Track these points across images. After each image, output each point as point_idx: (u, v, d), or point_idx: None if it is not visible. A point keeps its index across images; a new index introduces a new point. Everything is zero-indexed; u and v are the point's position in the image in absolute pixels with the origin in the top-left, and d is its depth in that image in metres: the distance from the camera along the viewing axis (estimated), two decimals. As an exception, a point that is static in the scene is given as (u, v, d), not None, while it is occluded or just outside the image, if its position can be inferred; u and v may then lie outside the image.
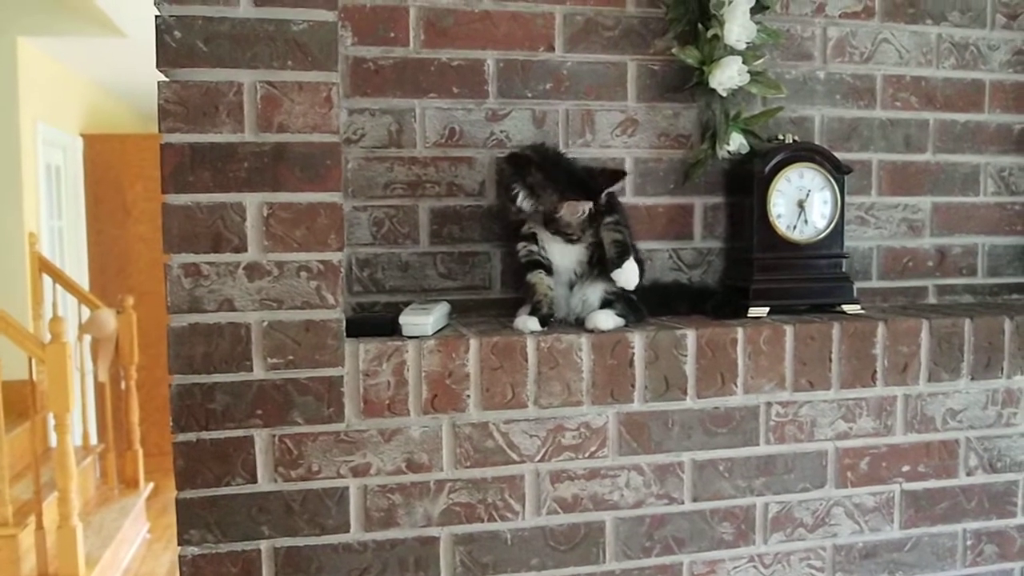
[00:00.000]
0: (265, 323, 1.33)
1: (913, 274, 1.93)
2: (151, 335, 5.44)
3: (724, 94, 1.69)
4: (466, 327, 1.52)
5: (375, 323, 1.44)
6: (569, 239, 1.49)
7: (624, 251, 1.49)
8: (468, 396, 1.41)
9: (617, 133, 1.73)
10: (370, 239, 1.63)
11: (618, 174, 1.54)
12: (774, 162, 1.67)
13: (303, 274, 1.34)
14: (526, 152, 1.54)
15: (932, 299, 1.94)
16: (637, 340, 1.48)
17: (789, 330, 1.55)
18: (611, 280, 1.51)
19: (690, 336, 1.50)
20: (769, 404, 1.56)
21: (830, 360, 1.57)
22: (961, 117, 1.94)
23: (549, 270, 1.51)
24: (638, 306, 1.57)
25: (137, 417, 4.88)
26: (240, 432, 1.34)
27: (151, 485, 4.87)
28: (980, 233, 1.97)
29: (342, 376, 1.36)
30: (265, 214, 1.33)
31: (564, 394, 1.45)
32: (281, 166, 1.33)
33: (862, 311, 1.70)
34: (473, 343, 1.41)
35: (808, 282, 1.71)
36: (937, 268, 1.95)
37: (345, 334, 1.37)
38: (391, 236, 1.64)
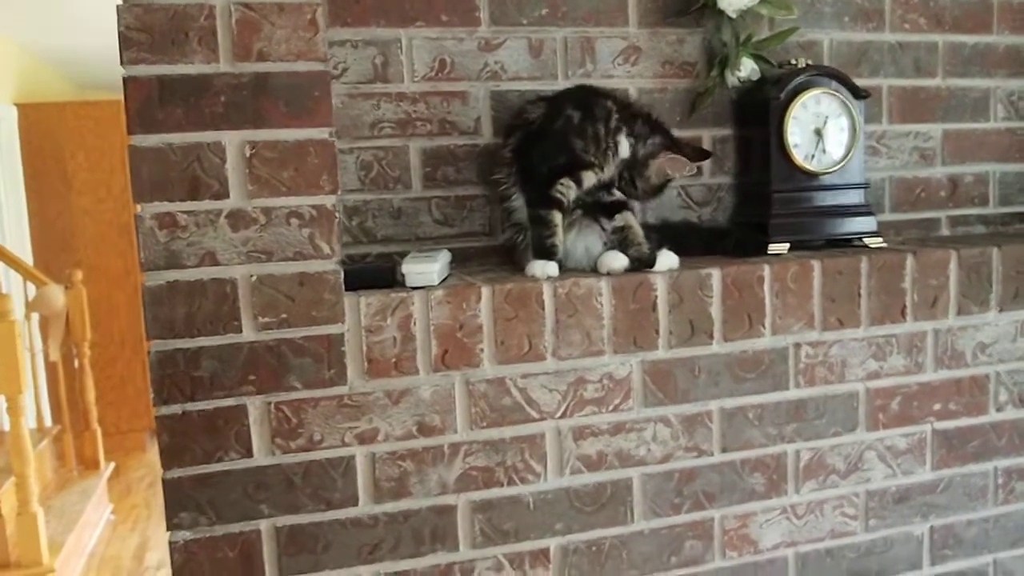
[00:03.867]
0: (253, 278, 1.18)
1: (926, 205, 1.84)
2: (101, 311, 5.19)
3: (733, 15, 1.56)
4: (472, 276, 1.39)
5: (375, 274, 1.30)
6: (635, 195, 1.42)
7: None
8: (482, 350, 1.28)
9: (619, 62, 1.60)
10: (358, 184, 1.48)
11: (707, 153, 1.47)
12: (790, 87, 1.55)
13: (294, 221, 1.19)
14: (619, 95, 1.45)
15: (945, 231, 1.86)
16: (660, 282, 1.36)
17: (816, 265, 1.45)
18: (607, 223, 1.42)
19: (715, 275, 1.39)
20: (798, 345, 1.46)
21: (859, 296, 1.48)
22: (970, 39, 1.84)
23: (565, 212, 1.38)
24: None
25: (93, 396, 4.65)
26: (231, 401, 1.19)
27: (111, 465, 4.67)
28: (991, 161, 1.89)
29: (342, 334, 1.22)
30: (248, 154, 1.17)
31: (584, 344, 1.33)
32: (263, 99, 1.17)
33: (884, 244, 1.61)
34: (485, 291, 1.28)
35: (828, 215, 1.60)
36: (950, 199, 1.86)
37: (343, 287, 1.23)
38: (381, 180, 1.49)
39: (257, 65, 1.17)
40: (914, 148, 1.82)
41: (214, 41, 1.15)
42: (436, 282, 1.28)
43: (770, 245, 1.55)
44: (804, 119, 1.57)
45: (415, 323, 1.25)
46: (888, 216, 1.80)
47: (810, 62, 1.62)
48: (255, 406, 1.20)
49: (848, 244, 1.61)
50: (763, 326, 1.42)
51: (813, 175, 1.58)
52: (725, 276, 1.40)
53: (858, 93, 1.59)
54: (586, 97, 1.41)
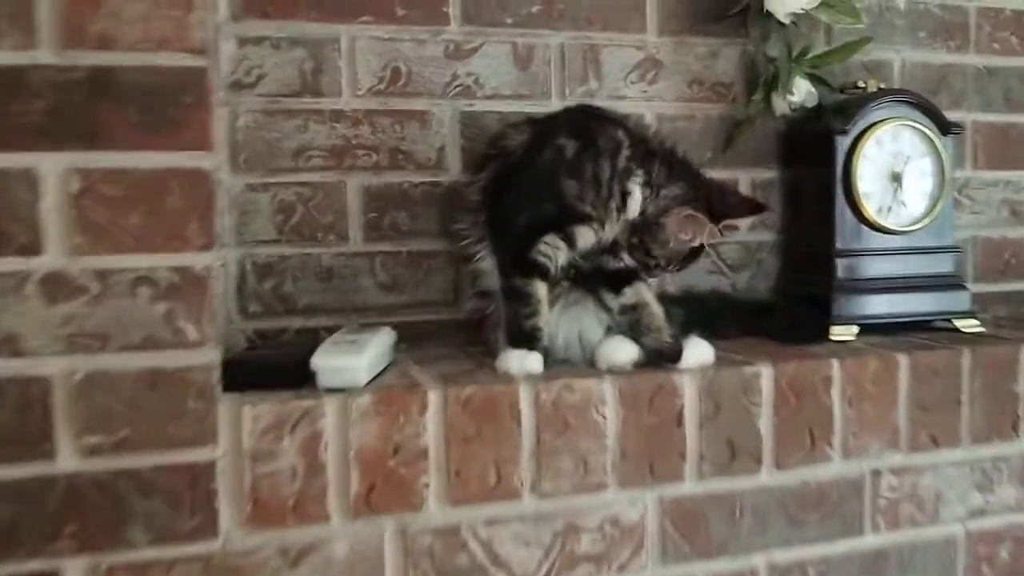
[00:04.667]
0: (78, 376, 0.77)
1: (1016, 273, 1.44)
2: None
3: (785, 21, 1.18)
4: (421, 368, 0.98)
5: (272, 367, 0.89)
6: (647, 267, 1.01)
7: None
8: (426, 485, 0.87)
9: (633, 79, 1.21)
10: (274, 233, 1.08)
11: (758, 207, 1.03)
12: (862, 118, 1.16)
13: (143, 291, 0.79)
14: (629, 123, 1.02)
15: (1044, 307, 1.46)
16: (688, 384, 0.95)
17: (903, 361, 1.04)
18: (612, 299, 1.02)
19: (766, 375, 0.98)
20: (877, 473, 1.05)
21: (959, 404, 1.07)
22: (1074, 66, 1.46)
23: (551, 282, 0.98)
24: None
25: None
26: (37, 565, 0.78)
27: None
28: (1096, 219, 1.50)
29: (214, 462, 0.81)
30: (76, 189, 0.77)
31: (578, 474, 0.92)
32: (104, 106, 0.78)
33: (981, 328, 1.21)
34: (433, 398, 0.87)
35: (907, 289, 1.20)
36: (1045, 266, 1.47)
37: (221, 388, 0.83)
38: (306, 229, 1.09)
39: (97, 55, 0.78)
40: (1003, 201, 1.43)
41: (29, 17, 0.76)
42: (363, 382, 0.87)
43: (832, 328, 1.15)
44: (879, 160, 1.18)
45: (327, 445, 0.84)
46: (971, 286, 1.40)
47: (883, 85, 1.23)
48: (76, 573, 0.78)
49: (929, 327, 1.21)
50: (830, 446, 1.01)
51: (889, 234, 1.18)
52: (779, 376, 0.99)
53: (947, 127, 1.20)
54: (587, 122, 1.00)
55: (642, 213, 0.97)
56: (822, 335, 1.14)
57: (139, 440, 0.79)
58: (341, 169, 1.10)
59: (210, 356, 0.80)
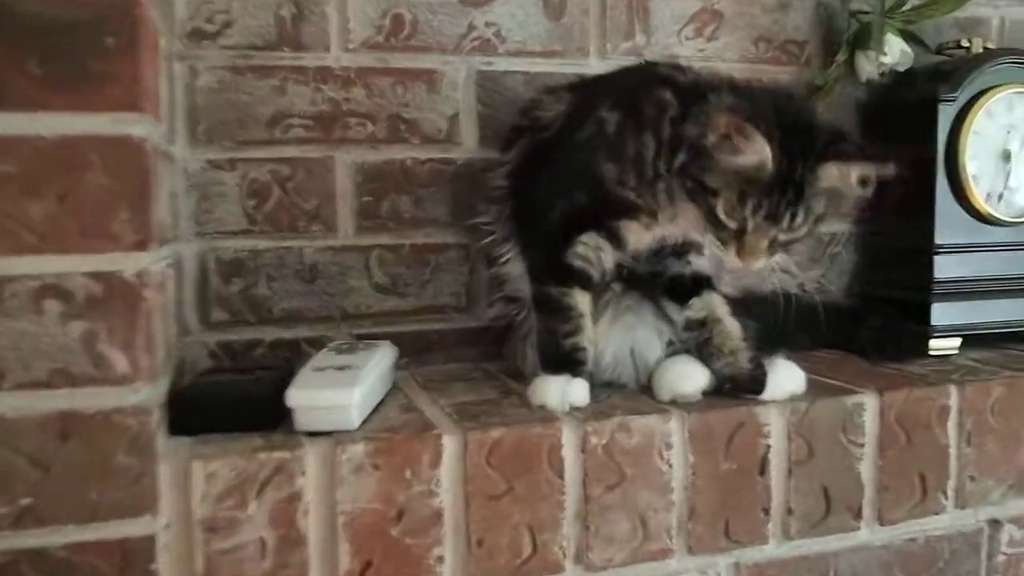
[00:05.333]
0: (-39, 423, 0.56)
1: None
2: None
3: (882, -39, 0.96)
4: (430, 398, 0.77)
5: (235, 404, 0.67)
6: (715, 221, 0.70)
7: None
8: (440, 559, 0.65)
9: (688, 34, 0.99)
10: (244, 222, 0.87)
11: (877, 156, 0.72)
12: (971, 83, 0.95)
13: (51, 306, 0.57)
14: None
15: None
16: (774, 419, 0.74)
17: (1033, 386, 0.83)
18: (676, 312, 0.80)
19: (870, 407, 0.77)
20: (996, 524, 0.84)
21: (1097, 437, 0.86)
22: None
23: (595, 290, 0.77)
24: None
25: None
26: None
27: None
28: None
29: (154, 536, 0.59)
30: (-48, 164, 0.55)
31: (636, 538, 0.71)
32: (-10, 50, 0.56)
33: (1103, 340, 1.00)
34: (450, 444, 0.65)
35: (1014, 293, 0.99)
36: None
37: (166, 434, 0.61)
38: (284, 217, 0.88)
39: (-18, -22, 0.56)
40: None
41: None
42: (356, 423, 0.66)
43: (932, 341, 0.94)
44: (989, 135, 0.96)
45: (307, 511, 0.62)
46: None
47: (990, 45, 1.01)
48: None
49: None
50: (944, 494, 0.81)
51: (997, 225, 0.97)
52: (886, 408, 0.78)
53: (1068, 96, 0.99)
54: (638, 86, 0.77)
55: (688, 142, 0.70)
56: (918, 349, 0.93)
57: (48, 510, 0.57)
58: (329, 142, 0.88)
59: (147, 394, 0.59)
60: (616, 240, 0.76)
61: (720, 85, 0.72)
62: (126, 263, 0.58)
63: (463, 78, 0.92)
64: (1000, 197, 0.97)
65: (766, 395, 0.75)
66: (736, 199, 0.68)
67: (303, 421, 0.64)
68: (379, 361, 0.73)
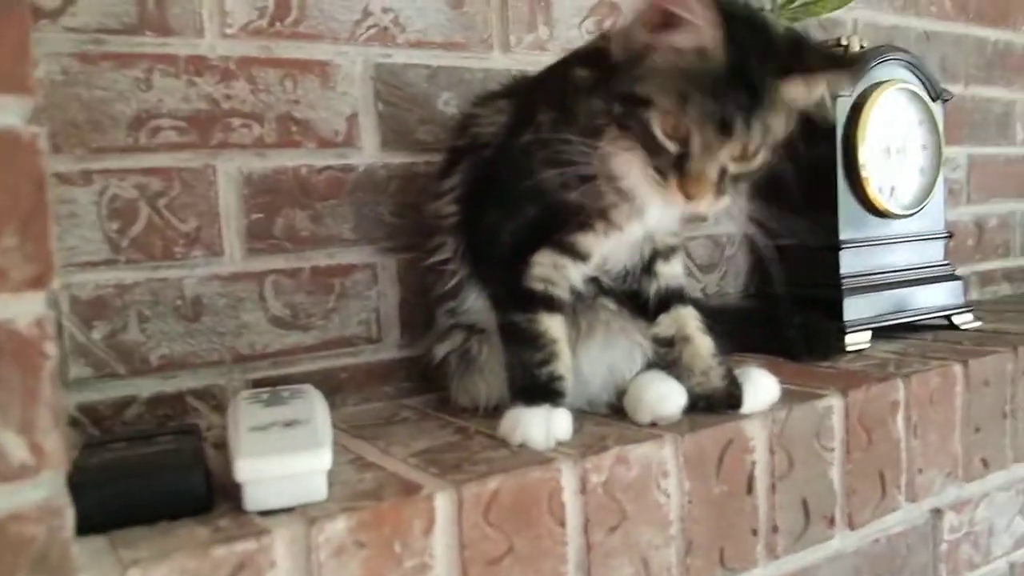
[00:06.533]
0: None
1: (957, 258, 1.32)
2: None
3: (775, -44, 0.95)
4: (380, 449, 0.64)
5: (153, 484, 0.51)
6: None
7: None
8: (441, 645, 0.53)
9: (589, 27, 0.93)
10: (105, 251, 0.69)
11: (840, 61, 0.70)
12: (865, 79, 0.96)
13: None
14: None
15: (975, 293, 1.36)
16: (759, 433, 0.69)
17: (959, 373, 0.84)
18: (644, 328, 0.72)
19: (836, 409, 0.74)
20: (938, 513, 0.84)
21: (1004, 417, 0.89)
22: (992, 34, 1.37)
23: (560, 309, 0.67)
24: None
25: None
26: None
27: None
28: (1014, 197, 1.42)
29: None
30: None
31: (640, 583, 0.62)
32: None
33: (979, 324, 1.05)
34: (443, 504, 0.53)
35: (907, 284, 1.02)
36: (977, 249, 1.37)
37: (74, 533, 0.45)
38: (156, 241, 0.71)
39: None
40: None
41: None
42: (326, 493, 0.52)
43: (847, 336, 0.94)
44: (879, 131, 0.98)
45: (280, 615, 0.48)
46: (920, 276, 1.26)
47: (865, 44, 1.03)
48: None
49: (925, 326, 1.04)
50: (899, 490, 0.79)
51: (890, 218, 0.99)
52: (850, 409, 0.75)
53: (938, 93, 1.03)
54: (565, 68, 0.68)
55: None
56: (836, 345, 0.93)
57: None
58: (208, 148, 0.72)
59: (54, 486, 0.42)
60: (576, 254, 0.67)
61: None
62: (16, 308, 0.41)
63: (359, 72, 0.80)
64: (892, 191, 0.99)
65: (745, 409, 0.69)
66: (675, 103, 0.56)
67: (258, 498, 0.50)
68: (322, 410, 0.60)
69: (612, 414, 0.70)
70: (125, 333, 0.69)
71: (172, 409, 0.71)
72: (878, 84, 0.96)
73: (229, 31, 0.73)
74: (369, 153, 0.80)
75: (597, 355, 0.69)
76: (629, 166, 0.61)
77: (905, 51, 1.01)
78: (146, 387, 0.70)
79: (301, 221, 0.77)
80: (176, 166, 0.71)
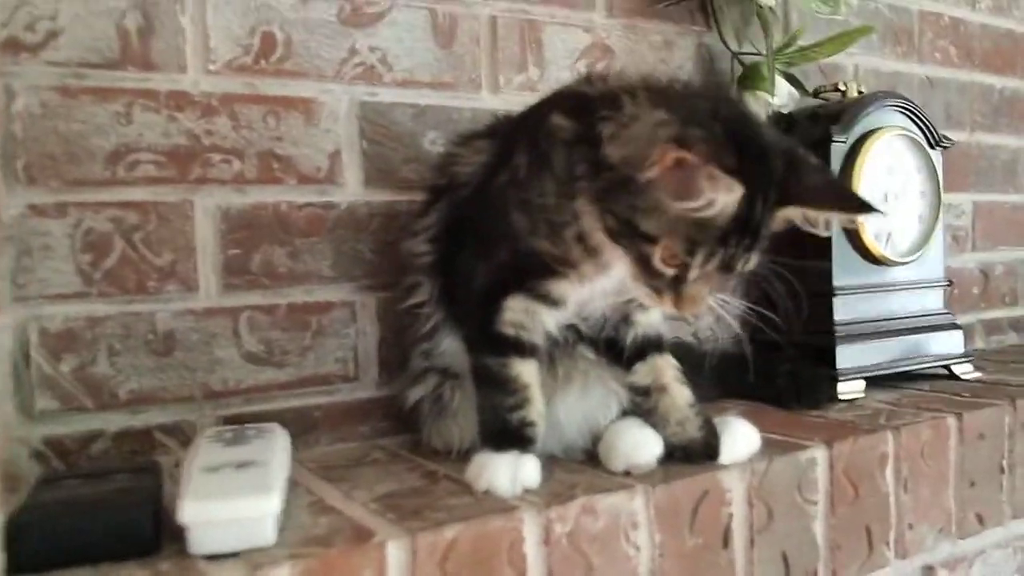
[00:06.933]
0: None
1: (961, 306, 1.30)
2: None
3: (771, 2, 0.94)
4: (344, 493, 0.63)
5: (97, 524, 0.50)
6: (649, 269, 0.59)
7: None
8: None
9: (580, 69, 0.93)
10: (77, 283, 0.68)
11: (864, 205, 0.63)
12: (859, 125, 0.95)
13: None
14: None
15: (979, 342, 1.33)
16: (736, 485, 0.67)
17: (952, 426, 0.82)
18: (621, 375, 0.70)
19: (820, 461, 0.72)
20: (930, 571, 0.82)
21: (1002, 472, 0.87)
22: (999, 82, 1.36)
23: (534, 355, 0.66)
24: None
25: None
26: None
27: None
28: (1021, 244, 1.40)
29: None
30: None
31: (607, 640, 0.60)
32: None
33: (980, 375, 1.03)
34: (396, 553, 0.52)
35: (904, 332, 1.00)
36: (982, 297, 1.34)
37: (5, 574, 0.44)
38: (130, 275, 0.70)
39: None
40: (945, 227, 1.29)
41: None
42: (273, 538, 0.50)
43: (840, 385, 0.91)
44: (875, 177, 0.96)
45: (218, 667, 0.46)
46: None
47: (863, 89, 1.03)
48: None
49: (923, 376, 1.01)
50: (887, 546, 0.77)
51: (886, 265, 0.98)
52: (836, 461, 0.73)
53: (937, 140, 1.02)
54: (542, 112, 0.66)
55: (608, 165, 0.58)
56: (828, 394, 0.91)
57: None
58: (187, 183, 0.72)
59: (-17, 528, 0.41)
60: (549, 300, 0.65)
61: (635, 86, 0.60)
62: (-50, 343, 0.40)
63: (344, 109, 0.80)
64: (888, 238, 0.97)
65: (722, 459, 0.67)
66: (683, 249, 0.57)
67: (203, 541, 0.49)
68: (281, 452, 0.58)
69: (587, 461, 0.68)
70: (94, 366, 0.69)
71: (140, 445, 0.70)
72: (875, 130, 0.95)
73: (212, 67, 0.73)
74: (352, 190, 0.80)
75: (574, 403, 0.68)
76: (604, 240, 0.60)
77: (903, 97, 1.00)
78: (114, 421, 0.69)
79: (279, 257, 0.77)
80: (153, 200, 0.71)
